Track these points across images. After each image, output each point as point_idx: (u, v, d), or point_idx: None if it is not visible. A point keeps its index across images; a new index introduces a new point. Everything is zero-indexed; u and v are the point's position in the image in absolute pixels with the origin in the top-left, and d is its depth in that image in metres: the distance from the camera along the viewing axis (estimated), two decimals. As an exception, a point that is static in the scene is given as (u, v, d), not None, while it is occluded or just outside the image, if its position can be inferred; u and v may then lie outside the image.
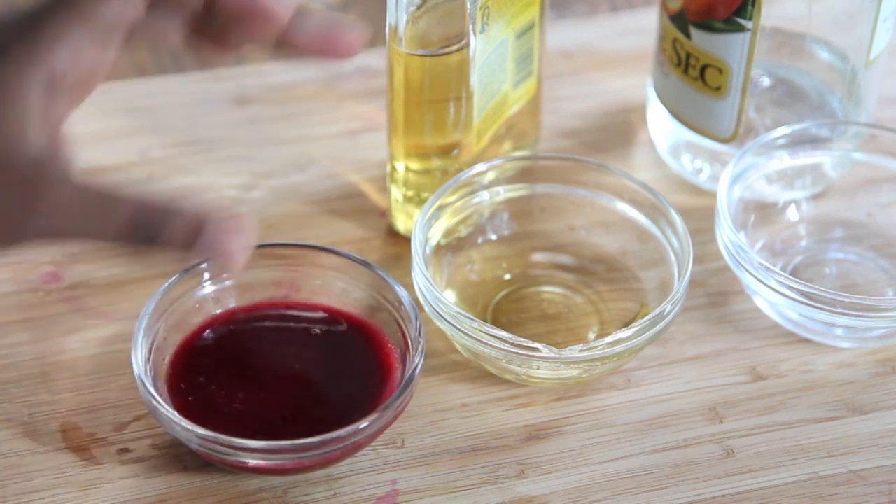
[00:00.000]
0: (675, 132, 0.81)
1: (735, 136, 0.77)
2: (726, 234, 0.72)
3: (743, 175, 0.76)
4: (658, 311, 0.67)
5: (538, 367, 0.67)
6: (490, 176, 0.74)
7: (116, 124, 0.84)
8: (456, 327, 0.67)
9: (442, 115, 0.72)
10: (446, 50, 0.69)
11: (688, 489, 0.67)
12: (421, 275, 0.68)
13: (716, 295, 0.76)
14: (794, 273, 0.76)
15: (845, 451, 0.68)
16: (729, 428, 0.69)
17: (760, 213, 0.78)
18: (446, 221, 0.73)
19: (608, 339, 0.66)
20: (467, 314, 0.67)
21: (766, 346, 0.73)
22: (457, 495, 0.66)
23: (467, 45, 0.69)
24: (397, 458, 0.67)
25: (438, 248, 0.73)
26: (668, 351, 0.72)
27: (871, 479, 0.67)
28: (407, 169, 0.74)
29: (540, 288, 0.74)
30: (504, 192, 0.75)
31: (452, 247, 0.74)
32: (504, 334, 0.66)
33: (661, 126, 0.82)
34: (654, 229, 0.73)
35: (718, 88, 0.76)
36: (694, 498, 0.66)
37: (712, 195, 0.77)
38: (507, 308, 0.73)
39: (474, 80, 0.71)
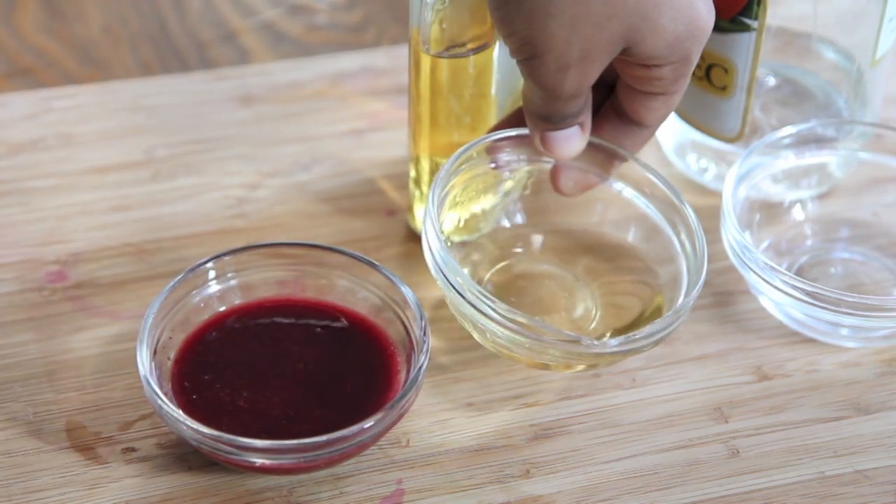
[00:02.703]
0: (680, 132, 0.81)
1: (741, 136, 0.77)
2: (731, 234, 0.72)
3: (748, 175, 0.76)
4: (681, 304, 0.66)
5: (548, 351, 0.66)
6: (509, 149, 0.72)
7: (122, 123, 0.84)
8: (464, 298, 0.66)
9: (466, 114, 0.72)
10: (471, 50, 0.70)
11: (693, 489, 0.67)
12: (439, 248, 0.66)
13: (721, 294, 0.75)
14: (800, 273, 0.76)
15: (851, 451, 0.68)
16: (734, 427, 0.69)
17: (766, 212, 0.77)
18: (459, 202, 0.72)
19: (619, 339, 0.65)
20: (488, 296, 0.65)
21: (772, 345, 0.73)
22: (462, 495, 0.66)
23: (492, 44, 0.70)
24: (403, 458, 0.67)
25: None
26: (673, 350, 0.72)
27: (877, 478, 0.67)
28: (430, 169, 0.74)
29: (541, 268, 0.74)
30: (524, 167, 0.73)
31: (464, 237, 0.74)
32: (544, 324, 0.64)
33: (667, 126, 0.82)
34: (667, 227, 0.72)
35: (724, 88, 0.76)
36: (699, 497, 0.66)
37: (717, 195, 0.77)
38: (506, 281, 0.73)
39: (498, 78, 0.71)
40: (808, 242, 0.78)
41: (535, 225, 0.75)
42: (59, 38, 0.92)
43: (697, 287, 0.67)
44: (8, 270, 0.75)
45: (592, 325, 0.72)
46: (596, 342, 0.65)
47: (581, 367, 0.68)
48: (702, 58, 0.75)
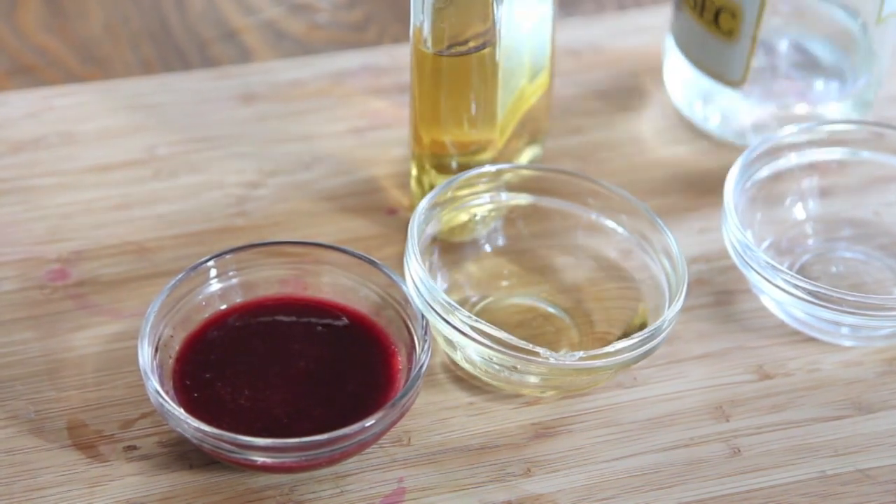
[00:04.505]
0: (687, 81, 0.82)
1: (743, 81, 0.79)
2: (733, 233, 0.72)
3: (750, 173, 0.76)
4: (657, 323, 0.67)
5: (532, 371, 0.67)
6: (493, 180, 0.73)
7: (123, 121, 0.84)
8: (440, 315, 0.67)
9: (468, 113, 0.72)
10: (473, 49, 0.70)
11: (694, 487, 0.67)
12: (417, 266, 0.67)
13: (723, 293, 0.75)
14: (801, 271, 0.76)
15: (852, 450, 0.68)
16: (736, 426, 0.69)
17: (767, 211, 0.77)
18: (443, 220, 0.73)
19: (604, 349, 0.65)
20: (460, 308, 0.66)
21: (773, 344, 0.73)
22: (464, 493, 0.66)
23: (493, 42, 0.70)
24: (404, 456, 0.67)
25: (433, 242, 0.72)
26: (674, 349, 0.72)
27: (878, 477, 0.67)
28: (432, 168, 0.74)
29: (520, 301, 0.74)
30: (505, 199, 0.74)
31: (446, 245, 0.74)
32: (505, 335, 0.65)
33: (674, 75, 0.83)
34: (649, 255, 0.72)
35: (730, 32, 0.77)
36: (700, 496, 0.66)
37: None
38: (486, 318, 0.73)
39: (499, 76, 0.71)
40: (810, 241, 0.78)
41: (518, 257, 0.75)
42: (61, 37, 0.92)
43: (677, 308, 0.67)
44: (9, 269, 0.75)
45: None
46: (556, 354, 0.65)
47: (550, 390, 0.69)
48: (711, 1, 0.77)
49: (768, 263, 0.71)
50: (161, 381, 0.66)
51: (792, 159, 0.77)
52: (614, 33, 0.91)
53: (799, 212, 0.79)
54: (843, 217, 0.79)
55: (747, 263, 0.72)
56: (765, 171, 0.77)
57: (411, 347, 0.68)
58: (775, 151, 0.77)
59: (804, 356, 0.73)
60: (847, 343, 0.73)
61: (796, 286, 0.70)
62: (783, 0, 0.81)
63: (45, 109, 0.85)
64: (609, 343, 0.67)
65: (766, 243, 0.77)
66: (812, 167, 0.78)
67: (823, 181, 0.79)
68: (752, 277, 0.72)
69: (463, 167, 0.74)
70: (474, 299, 0.73)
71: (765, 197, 0.77)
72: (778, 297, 0.72)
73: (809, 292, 0.70)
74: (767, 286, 0.71)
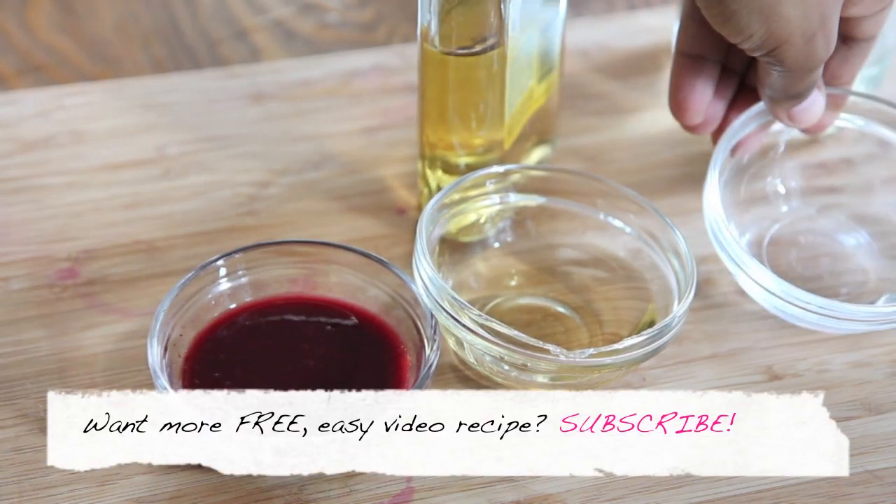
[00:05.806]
0: None
1: None
2: (712, 221, 0.72)
3: (748, 169, 0.76)
4: (665, 321, 0.67)
5: (537, 366, 0.67)
6: (502, 181, 0.73)
7: (133, 120, 0.84)
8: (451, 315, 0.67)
9: (475, 113, 0.72)
10: (480, 49, 0.70)
11: (703, 488, 0.67)
12: (426, 265, 0.67)
13: (732, 294, 0.75)
14: (804, 268, 0.76)
15: (861, 451, 0.68)
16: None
17: (758, 209, 0.77)
18: (452, 220, 0.73)
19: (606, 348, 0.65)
20: (470, 305, 0.66)
21: (783, 345, 0.73)
22: (472, 493, 0.66)
23: (501, 43, 0.70)
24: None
25: (442, 242, 0.72)
26: (683, 350, 0.72)
27: (886, 478, 0.67)
28: (439, 167, 0.74)
29: (529, 301, 0.74)
30: (513, 199, 0.74)
31: (455, 245, 0.74)
32: (515, 332, 0.65)
33: None
34: (658, 255, 0.72)
35: None
36: (709, 497, 0.66)
37: None
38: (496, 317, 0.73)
39: (507, 76, 0.71)
40: (819, 243, 0.78)
41: (527, 257, 0.75)
42: (72, 36, 0.92)
43: (685, 306, 0.67)
44: (20, 267, 0.75)
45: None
46: (566, 351, 0.65)
47: (559, 389, 0.69)
48: None
49: (740, 246, 0.70)
50: (170, 379, 0.66)
51: (797, 159, 0.78)
52: (624, 33, 0.91)
53: (804, 208, 0.79)
54: (855, 214, 0.79)
55: (726, 252, 0.71)
56: (761, 170, 0.77)
57: (420, 347, 0.68)
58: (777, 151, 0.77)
59: (813, 357, 0.72)
60: (816, 329, 0.72)
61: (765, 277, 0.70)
62: None
63: (56, 108, 0.85)
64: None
65: (766, 239, 0.76)
66: (821, 166, 0.78)
67: (831, 181, 0.79)
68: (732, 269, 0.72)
69: (471, 167, 0.74)
70: (483, 299, 0.73)
71: (756, 191, 0.77)
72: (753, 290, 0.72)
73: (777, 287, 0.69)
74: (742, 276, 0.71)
